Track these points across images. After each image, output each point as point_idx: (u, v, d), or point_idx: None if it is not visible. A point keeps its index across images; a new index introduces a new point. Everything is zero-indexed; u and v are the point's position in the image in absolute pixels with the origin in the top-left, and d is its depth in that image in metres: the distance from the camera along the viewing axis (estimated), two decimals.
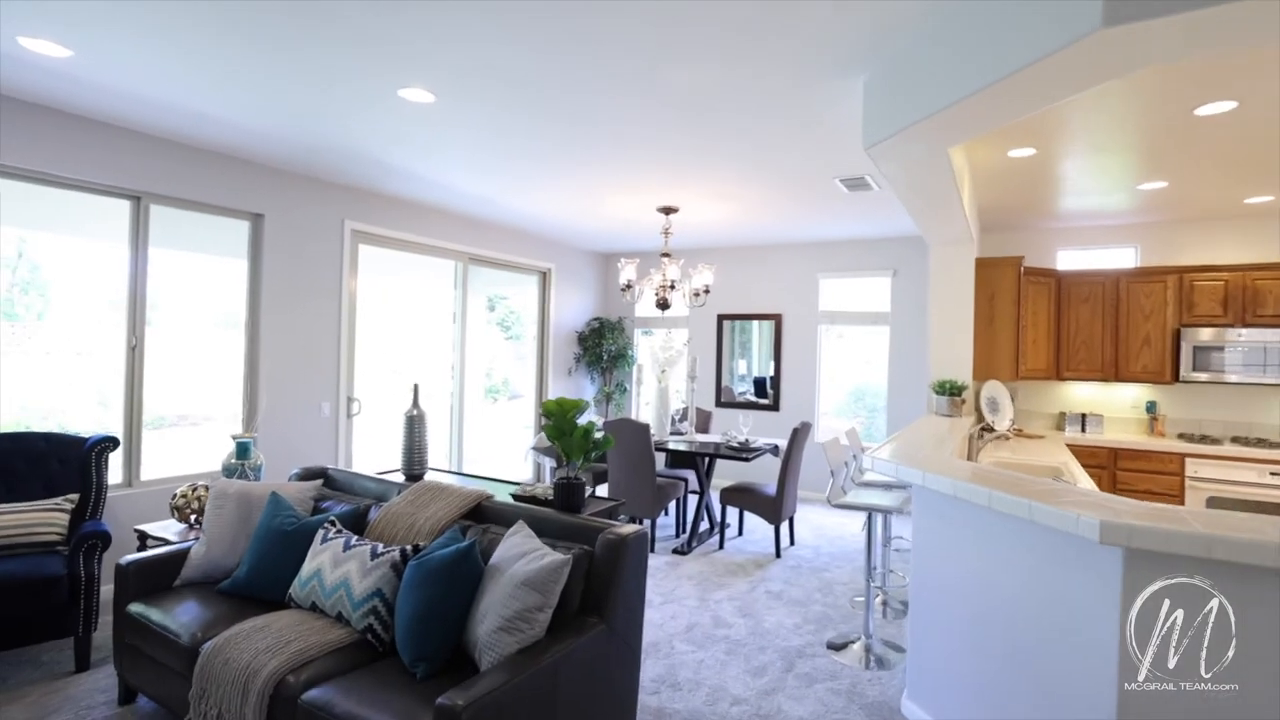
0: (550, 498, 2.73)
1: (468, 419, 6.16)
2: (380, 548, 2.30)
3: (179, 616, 2.35)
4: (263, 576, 2.49)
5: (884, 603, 3.69)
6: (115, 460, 3.77)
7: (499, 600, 1.92)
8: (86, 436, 3.36)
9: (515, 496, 2.79)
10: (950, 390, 4.54)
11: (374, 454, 5.10)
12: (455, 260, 5.94)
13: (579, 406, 2.57)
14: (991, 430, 4.36)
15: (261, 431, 4.35)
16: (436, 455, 5.92)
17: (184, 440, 4.19)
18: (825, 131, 3.39)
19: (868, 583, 3.15)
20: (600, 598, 2.10)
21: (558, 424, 2.57)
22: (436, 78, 2.86)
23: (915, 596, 2.58)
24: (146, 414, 3.90)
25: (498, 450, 6.68)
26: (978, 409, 4.80)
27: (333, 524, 2.53)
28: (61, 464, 3.29)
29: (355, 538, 2.41)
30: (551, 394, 7.14)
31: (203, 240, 4.17)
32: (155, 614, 2.39)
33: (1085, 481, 3.15)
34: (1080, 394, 5.39)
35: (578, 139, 3.62)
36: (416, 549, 2.27)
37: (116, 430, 3.74)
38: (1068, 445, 4.64)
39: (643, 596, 2.28)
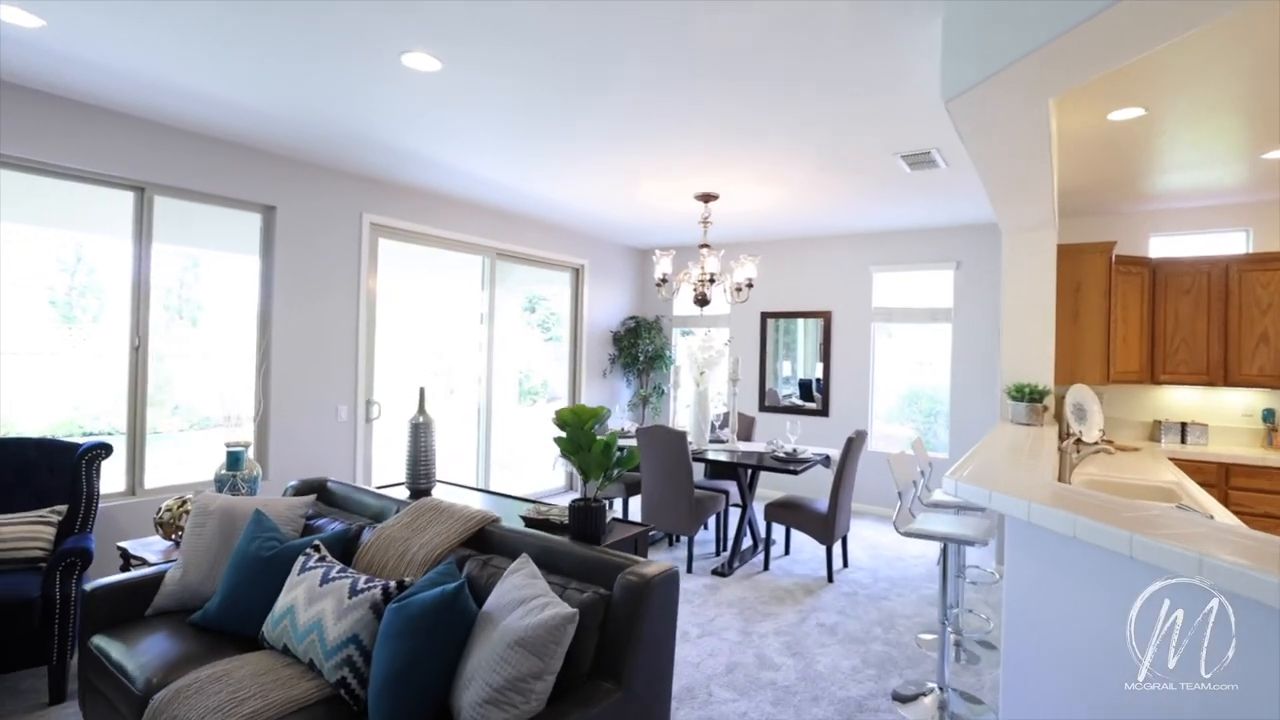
0: (566, 521, 2.34)
1: (498, 424, 5.85)
2: (362, 582, 1.95)
3: (139, 655, 2.05)
4: (235, 609, 2.18)
5: (957, 643, 3.18)
6: (118, 467, 3.58)
7: (487, 663, 1.54)
8: (80, 443, 3.14)
9: (526, 520, 2.42)
10: (1030, 395, 3.98)
11: (396, 461, 4.81)
12: (483, 256, 5.64)
13: (598, 416, 2.17)
14: (1083, 442, 3.79)
15: (272, 437, 4.11)
16: (464, 463, 5.64)
17: (201, 445, 4.00)
18: (886, 96, 2.92)
19: (943, 626, 2.66)
20: (617, 656, 1.70)
21: (573, 437, 2.19)
22: (440, 41, 2.51)
23: (1010, 658, 2.09)
24: (191, 416, 3.92)
25: (535, 455, 6.37)
26: (1060, 417, 4.22)
27: (315, 550, 2.19)
28: (52, 472, 3.07)
29: (338, 568, 2.07)
30: (585, 397, 6.78)
31: (212, 235, 3.97)
32: (115, 650, 2.10)
33: (1217, 510, 2.58)
34: (1179, 400, 4.72)
35: (603, 112, 3.23)
36: (401, 586, 1.91)
37: (158, 430, 3.72)
38: (1169, 459, 4.01)
39: (671, 652, 1.87)
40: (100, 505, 3.35)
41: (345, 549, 2.34)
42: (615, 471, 2.19)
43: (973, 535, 2.57)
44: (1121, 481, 3.20)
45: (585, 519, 2.15)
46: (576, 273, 6.72)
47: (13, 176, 3.18)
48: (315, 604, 1.93)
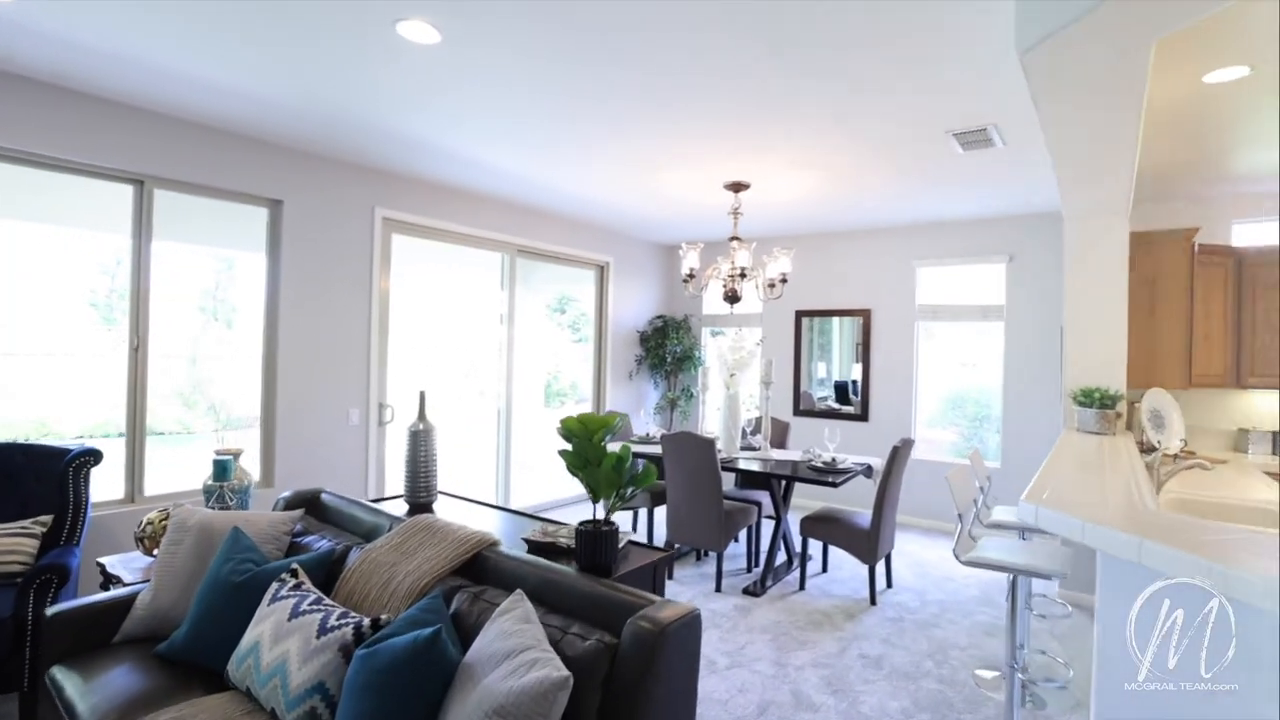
0: (575, 546, 2.05)
1: (521, 426, 5.60)
2: (334, 618, 1.69)
3: (93, 693, 1.82)
4: (202, 641, 1.94)
5: (1023, 685, 2.79)
6: (116, 473, 3.42)
7: None
8: (69, 448, 2.97)
9: (529, 544, 2.13)
10: (1100, 401, 3.55)
11: None
12: (502, 253, 5.40)
13: (608, 425, 1.88)
14: (1168, 455, 3.35)
15: (279, 442, 3.91)
16: (483, 470, 5.41)
17: (234, 444, 3.87)
18: (939, 62, 2.56)
19: (1010, 669, 2.29)
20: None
21: (580, 450, 1.89)
22: (437, 6, 2.25)
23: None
24: (224, 416, 3.88)
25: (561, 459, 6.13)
26: (1134, 424, 3.77)
27: (292, 575, 1.95)
28: (39, 480, 2.90)
29: (312, 598, 1.81)
30: (610, 399, 6.50)
31: (240, 234, 3.86)
32: (70, 685, 1.88)
33: None
34: (1269, 406, 4.22)
35: (619, 91, 2.93)
36: (376, 625, 1.64)
37: (193, 431, 3.70)
38: (1264, 474, 3.54)
39: (692, 710, 1.56)
40: (95, 515, 3.21)
41: (328, 574, 2.09)
42: (629, 491, 1.89)
43: (1048, 567, 2.20)
44: (1216, 501, 2.78)
45: (594, 546, 1.86)
46: (601, 270, 6.44)
47: (50, 178, 3.14)
48: (281, 642, 1.68)
